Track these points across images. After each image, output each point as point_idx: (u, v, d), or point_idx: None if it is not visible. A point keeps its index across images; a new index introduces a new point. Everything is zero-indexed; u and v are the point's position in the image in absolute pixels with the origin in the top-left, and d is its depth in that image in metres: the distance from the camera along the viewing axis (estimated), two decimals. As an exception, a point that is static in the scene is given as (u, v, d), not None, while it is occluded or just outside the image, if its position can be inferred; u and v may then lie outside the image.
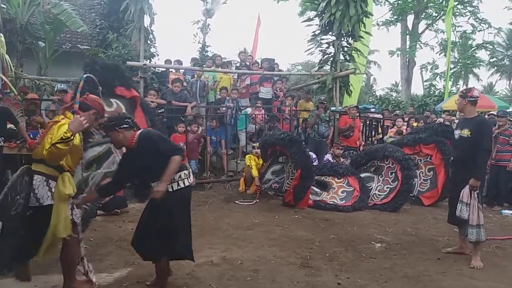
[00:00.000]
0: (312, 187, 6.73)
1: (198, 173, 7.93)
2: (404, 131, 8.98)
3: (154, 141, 3.24)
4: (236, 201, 6.85)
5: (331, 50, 9.26)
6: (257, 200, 6.89)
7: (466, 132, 4.38)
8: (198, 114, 8.46)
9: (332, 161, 7.62)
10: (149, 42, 8.90)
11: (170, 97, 8.09)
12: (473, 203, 4.24)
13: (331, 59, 9.29)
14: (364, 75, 24.14)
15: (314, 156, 7.69)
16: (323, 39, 9.31)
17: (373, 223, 5.87)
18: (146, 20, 7.99)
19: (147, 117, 4.85)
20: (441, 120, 9.89)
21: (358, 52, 9.37)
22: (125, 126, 3.27)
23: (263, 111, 8.92)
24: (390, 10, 22.12)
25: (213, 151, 8.33)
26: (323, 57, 9.49)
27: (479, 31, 22.24)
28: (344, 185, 6.98)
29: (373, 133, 9.86)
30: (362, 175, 7.21)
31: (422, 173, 7.47)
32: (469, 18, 21.87)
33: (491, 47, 24.16)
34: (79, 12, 11.92)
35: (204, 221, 5.61)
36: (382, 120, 10.41)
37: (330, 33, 9.10)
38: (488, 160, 5.72)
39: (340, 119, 8.73)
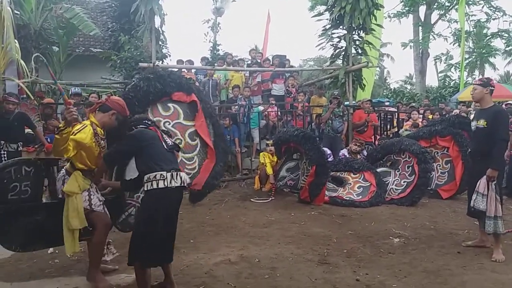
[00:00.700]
0: (328, 183, 6.70)
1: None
2: (420, 123, 8.86)
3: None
4: (252, 199, 6.86)
5: (343, 44, 9.19)
6: (273, 198, 6.88)
7: (482, 123, 4.30)
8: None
9: (347, 156, 7.56)
10: (160, 43, 8.93)
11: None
12: (490, 194, 4.16)
13: (343, 53, 9.21)
14: (377, 68, 23.94)
15: (329, 151, 7.63)
16: (334, 33, 9.23)
17: (390, 218, 5.80)
18: (157, 21, 8.02)
19: (208, 121, 4.87)
20: (457, 111, 9.73)
21: (370, 45, 9.27)
22: (142, 126, 3.36)
23: (276, 108, 8.88)
24: (401, 2, 21.78)
25: (227, 149, 8.33)
26: (335, 51, 9.41)
27: (493, 19, 21.82)
28: (360, 180, 6.92)
29: (388, 126, 9.75)
30: (379, 169, 7.14)
31: (440, 166, 7.36)
32: (483, 7, 21.47)
33: (506, 35, 23.61)
34: (91, 16, 12.09)
35: (221, 219, 5.63)
36: (397, 113, 10.29)
37: (341, 27, 9.03)
38: (506, 150, 5.60)
39: (354, 114, 8.66)
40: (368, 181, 6.85)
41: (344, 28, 8.92)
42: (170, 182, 3.09)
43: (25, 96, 7.37)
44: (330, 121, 8.18)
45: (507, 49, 26.41)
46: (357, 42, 9.14)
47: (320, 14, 9.78)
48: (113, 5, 11.94)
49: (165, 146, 3.28)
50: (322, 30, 9.29)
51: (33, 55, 7.26)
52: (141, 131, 3.33)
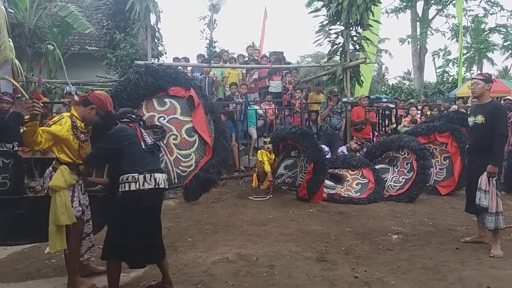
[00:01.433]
0: (326, 180, 6.67)
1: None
2: (419, 120, 8.83)
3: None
4: (250, 197, 6.83)
5: (340, 40, 9.14)
6: (271, 196, 6.85)
7: (480, 118, 4.26)
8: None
9: (346, 153, 7.53)
10: (156, 40, 8.89)
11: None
12: (491, 190, 4.14)
13: (341, 49, 9.17)
14: (375, 64, 23.88)
15: (327, 149, 7.61)
16: (331, 29, 9.20)
17: (389, 214, 5.79)
18: (152, 18, 7.99)
19: (209, 117, 4.72)
20: (455, 107, 9.71)
21: (368, 41, 9.24)
22: (126, 120, 3.34)
23: (273, 106, 8.84)
24: (399, -3, 21.81)
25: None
26: (332, 47, 9.37)
27: (491, 14, 21.87)
28: (359, 177, 6.90)
29: (386, 122, 9.73)
30: (377, 166, 7.11)
31: (438, 162, 7.34)
32: (480, 2, 21.50)
33: (504, 30, 23.61)
34: (86, 14, 12.02)
35: (218, 218, 5.61)
36: (395, 109, 10.26)
37: (338, 23, 8.98)
38: (505, 145, 5.58)
39: (353, 111, 8.61)
40: (366, 178, 6.82)
41: (342, 24, 8.86)
42: (143, 185, 3.05)
43: (20, 95, 7.32)
44: (328, 118, 8.15)
45: (505, 44, 26.44)
46: (355, 38, 9.10)
47: (317, 10, 9.71)
48: (108, 3, 11.87)
49: (143, 145, 3.21)
50: (320, 26, 9.25)
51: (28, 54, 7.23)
52: (119, 129, 3.27)
